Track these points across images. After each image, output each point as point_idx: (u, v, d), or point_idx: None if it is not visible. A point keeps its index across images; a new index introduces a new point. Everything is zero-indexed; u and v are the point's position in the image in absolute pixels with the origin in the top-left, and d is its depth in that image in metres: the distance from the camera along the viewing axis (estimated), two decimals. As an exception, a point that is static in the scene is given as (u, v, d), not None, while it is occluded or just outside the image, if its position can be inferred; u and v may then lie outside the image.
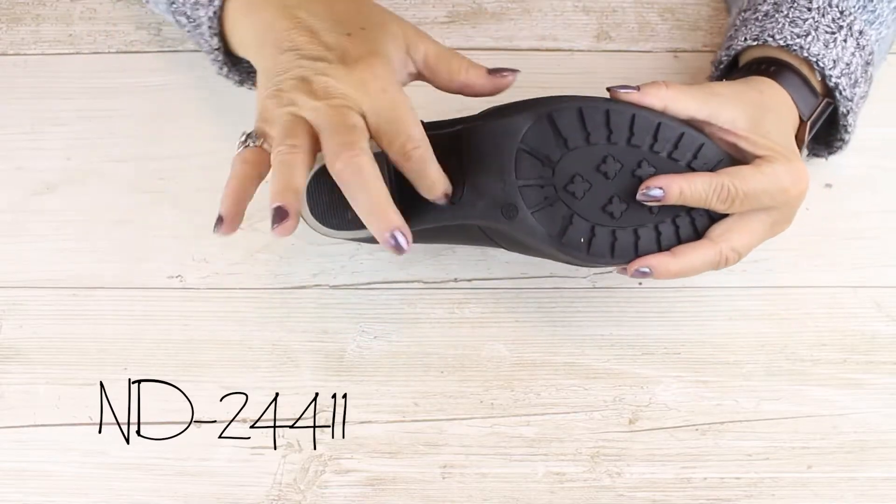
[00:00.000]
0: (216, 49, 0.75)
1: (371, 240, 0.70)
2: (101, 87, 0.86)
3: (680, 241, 0.72)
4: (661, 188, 0.69)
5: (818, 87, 0.75)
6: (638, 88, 0.70)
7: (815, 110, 0.75)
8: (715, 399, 0.78)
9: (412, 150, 0.66)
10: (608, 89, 0.71)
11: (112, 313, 0.80)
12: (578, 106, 0.70)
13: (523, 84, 0.86)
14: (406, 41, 0.71)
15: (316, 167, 0.69)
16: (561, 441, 0.77)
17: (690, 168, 0.71)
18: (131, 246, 0.81)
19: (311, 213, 0.70)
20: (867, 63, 0.76)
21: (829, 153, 0.80)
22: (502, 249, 0.75)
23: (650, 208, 0.71)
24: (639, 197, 0.70)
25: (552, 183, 0.71)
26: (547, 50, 0.88)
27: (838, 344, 0.79)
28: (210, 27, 0.74)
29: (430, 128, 0.71)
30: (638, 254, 0.71)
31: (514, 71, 0.72)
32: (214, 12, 0.73)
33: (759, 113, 0.71)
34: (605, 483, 0.76)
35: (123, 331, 0.79)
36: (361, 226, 0.66)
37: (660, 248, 0.71)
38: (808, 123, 0.74)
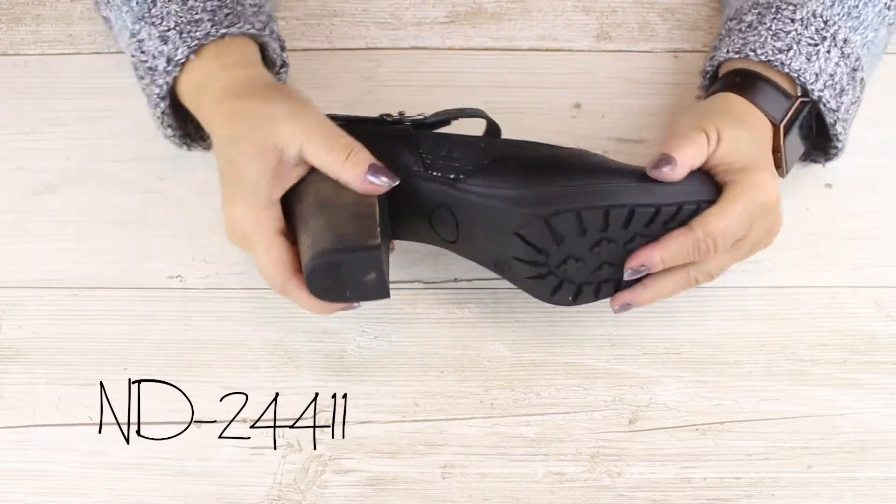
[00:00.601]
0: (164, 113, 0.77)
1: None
2: (101, 87, 0.86)
3: None
4: (645, 266, 0.70)
5: (796, 94, 0.76)
6: (672, 164, 0.69)
7: (787, 113, 0.75)
8: (715, 399, 0.78)
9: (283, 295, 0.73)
10: (649, 172, 0.69)
11: (112, 313, 0.80)
12: (577, 211, 0.69)
13: (524, 84, 0.87)
14: (280, 148, 0.70)
15: (307, 265, 0.69)
16: (561, 441, 0.77)
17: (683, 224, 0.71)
18: (131, 246, 0.81)
19: (314, 297, 0.71)
20: (854, 70, 0.76)
21: (826, 160, 0.80)
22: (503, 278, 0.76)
23: None
24: (628, 277, 0.71)
25: (546, 263, 0.71)
26: (547, 50, 0.88)
27: (838, 344, 0.79)
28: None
29: (425, 171, 0.72)
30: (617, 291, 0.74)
31: (392, 180, 0.70)
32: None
33: (725, 126, 0.72)
34: (605, 483, 0.76)
35: (123, 331, 0.79)
36: (360, 298, 0.71)
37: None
38: (781, 127, 0.74)
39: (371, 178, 0.69)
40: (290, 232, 0.72)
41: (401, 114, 0.76)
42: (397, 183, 0.70)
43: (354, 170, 0.69)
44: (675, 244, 0.70)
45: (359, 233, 0.68)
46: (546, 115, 0.85)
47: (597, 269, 0.72)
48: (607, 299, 0.74)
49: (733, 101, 0.74)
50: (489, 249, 0.73)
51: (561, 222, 0.69)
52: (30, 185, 0.83)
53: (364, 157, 0.70)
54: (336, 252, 0.68)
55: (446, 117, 0.75)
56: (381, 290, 0.70)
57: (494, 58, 0.88)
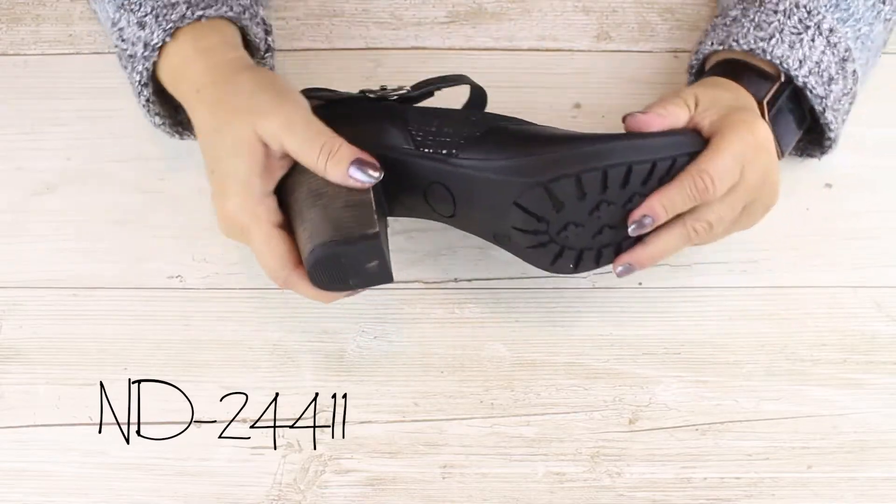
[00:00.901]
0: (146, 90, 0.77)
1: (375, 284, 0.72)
2: (101, 87, 0.86)
3: None
4: (647, 216, 0.70)
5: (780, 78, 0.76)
6: (643, 111, 0.71)
7: (768, 91, 0.75)
8: (715, 399, 0.78)
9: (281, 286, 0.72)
10: (624, 119, 0.71)
11: (112, 313, 0.80)
12: (577, 174, 0.68)
13: (524, 84, 0.87)
14: (265, 143, 0.70)
15: (307, 259, 0.69)
16: (561, 441, 0.77)
17: None
18: (131, 246, 0.81)
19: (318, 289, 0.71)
20: (843, 60, 0.76)
21: (822, 153, 0.81)
22: (502, 249, 0.75)
23: None
24: (633, 233, 0.70)
25: (546, 231, 0.71)
26: (547, 50, 0.88)
27: (838, 344, 0.79)
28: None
29: (416, 149, 0.71)
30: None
31: (378, 172, 0.69)
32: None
33: (702, 90, 0.73)
34: (605, 483, 0.76)
35: (123, 331, 0.79)
36: (365, 285, 0.70)
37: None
38: (765, 103, 0.74)
39: (357, 176, 0.68)
40: (286, 222, 0.71)
41: (382, 87, 0.75)
42: (382, 176, 0.69)
43: (338, 168, 0.68)
44: (674, 189, 0.70)
45: (356, 223, 0.68)
46: (546, 115, 0.85)
47: (597, 233, 0.71)
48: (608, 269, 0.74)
49: (715, 79, 0.75)
50: (488, 222, 0.72)
51: (561, 188, 0.69)
52: (30, 185, 0.83)
53: (346, 153, 0.69)
54: (334, 244, 0.68)
55: (430, 88, 0.75)
56: (384, 275, 0.70)
57: (494, 58, 0.88)
